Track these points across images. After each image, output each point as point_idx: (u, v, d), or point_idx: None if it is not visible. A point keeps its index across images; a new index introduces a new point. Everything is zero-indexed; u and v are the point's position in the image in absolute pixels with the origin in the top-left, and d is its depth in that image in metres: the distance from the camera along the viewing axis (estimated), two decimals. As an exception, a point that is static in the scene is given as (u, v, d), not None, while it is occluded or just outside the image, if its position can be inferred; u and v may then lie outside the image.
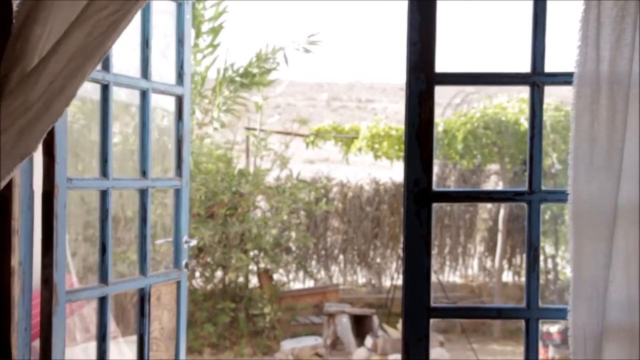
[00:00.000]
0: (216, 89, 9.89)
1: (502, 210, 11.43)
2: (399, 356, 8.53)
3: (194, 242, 3.73)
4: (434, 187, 2.43)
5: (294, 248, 11.19)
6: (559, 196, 2.74)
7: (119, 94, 3.78)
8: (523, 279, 11.12)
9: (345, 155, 12.12)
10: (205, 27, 9.66)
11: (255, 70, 9.97)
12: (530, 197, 2.44)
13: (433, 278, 2.85)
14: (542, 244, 10.22)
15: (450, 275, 12.58)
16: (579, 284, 2.29)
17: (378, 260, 12.31)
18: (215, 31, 9.68)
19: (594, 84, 2.26)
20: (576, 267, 2.30)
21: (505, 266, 12.08)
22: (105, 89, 3.08)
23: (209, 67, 9.90)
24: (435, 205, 2.44)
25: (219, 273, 10.31)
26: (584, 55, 2.26)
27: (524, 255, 2.75)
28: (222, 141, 10.73)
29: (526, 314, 2.46)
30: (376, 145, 11.48)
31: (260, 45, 10.22)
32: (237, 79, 9.94)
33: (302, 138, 12.30)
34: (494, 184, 12.24)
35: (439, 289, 10.74)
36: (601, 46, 2.25)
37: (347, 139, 12.08)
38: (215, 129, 9.91)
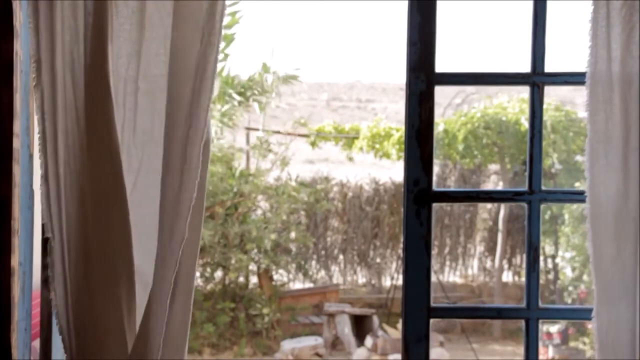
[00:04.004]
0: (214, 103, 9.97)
1: (502, 210, 11.43)
2: (399, 356, 8.53)
3: (194, 242, 3.72)
4: (434, 187, 2.43)
5: (293, 248, 11.19)
6: (559, 196, 2.73)
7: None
8: (523, 279, 11.12)
9: (348, 153, 12.13)
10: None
11: (249, 93, 10.14)
12: (530, 197, 2.44)
13: (433, 278, 2.84)
14: (542, 244, 10.22)
15: (450, 275, 12.58)
16: (601, 288, 2.26)
17: (378, 260, 12.32)
18: (227, 39, 9.72)
19: (606, 84, 2.25)
20: (597, 271, 2.26)
21: (505, 266, 12.09)
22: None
23: (219, 73, 9.96)
24: (435, 205, 2.43)
25: (219, 273, 10.32)
26: (595, 55, 2.25)
27: (524, 255, 2.75)
28: (223, 142, 10.74)
29: (526, 314, 2.45)
30: (377, 145, 11.49)
31: (259, 52, 10.40)
32: (236, 96, 10.06)
33: (302, 138, 12.31)
34: (494, 184, 12.24)
35: (439, 289, 10.74)
36: (612, 46, 2.24)
37: (347, 139, 12.09)
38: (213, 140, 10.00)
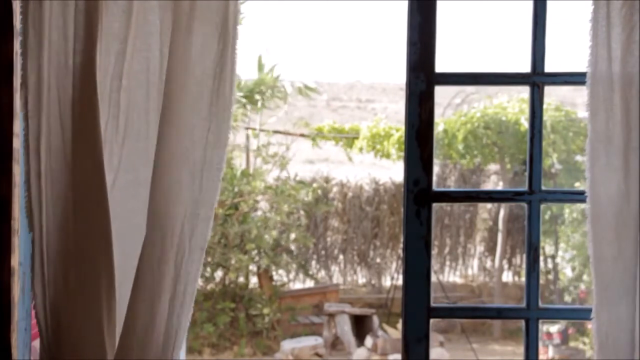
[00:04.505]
0: None
1: (502, 210, 11.43)
2: (399, 356, 8.53)
3: (194, 242, 3.72)
4: (434, 187, 2.42)
5: (293, 248, 11.19)
6: (559, 196, 2.73)
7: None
8: (523, 279, 11.13)
9: (348, 153, 12.14)
10: None
11: (257, 97, 10.19)
12: (530, 197, 2.44)
13: (433, 278, 2.84)
14: (542, 244, 10.23)
15: (450, 275, 12.58)
16: (600, 289, 2.26)
17: (378, 260, 12.32)
18: None
19: (606, 84, 2.24)
20: (597, 271, 2.26)
21: (505, 266, 12.09)
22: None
23: None
24: (435, 205, 2.43)
25: (219, 273, 10.32)
26: (595, 54, 2.24)
27: (524, 255, 2.74)
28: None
29: (526, 314, 2.45)
30: (377, 146, 11.50)
31: (261, 52, 10.48)
32: (242, 99, 10.09)
33: (302, 138, 12.31)
34: (494, 184, 12.24)
35: (439, 289, 10.74)
36: (612, 46, 2.23)
37: (347, 139, 12.10)
38: None
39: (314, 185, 11.33)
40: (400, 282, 10.97)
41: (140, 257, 2.19)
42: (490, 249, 12.27)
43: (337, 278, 12.30)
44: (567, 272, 10.53)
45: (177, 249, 2.21)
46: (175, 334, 2.20)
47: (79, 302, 2.14)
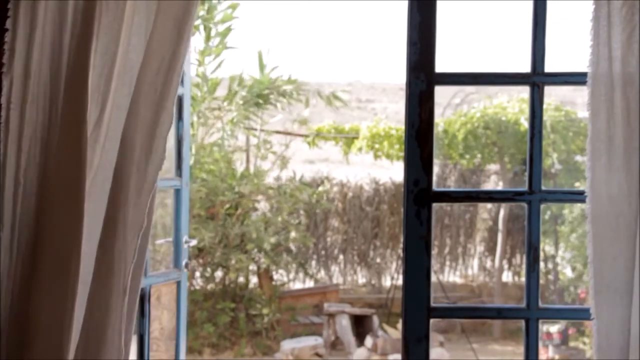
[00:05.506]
0: (223, 107, 10.08)
1: (502, 210, 11.42)
2: (399, 356, 8.53)
3: (194, 242, 3.73)
4: (434, 187, 2.43)
5: (294, 248, 11.19)
6: (559, 196, 2.74)
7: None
8: (523, 279, 11.12)
9: (345, 155, 12.14)
10: (220, 28, 9.76)
11: (273, 101, 10.29)
12: (530, 197, 2.44)
13: (433, 278, 2.84)
14: (542, 244, 10.22)
15: (450, 275, 12.57)
16: (600, 289, 2.26)
17: (378, 260, 12.31)
18: (222, 34, 9.75)
19: (607, 84, 2.24)
20: (597, 271, 2.26)
21: (505, 266, 12.08)
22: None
23: (215, 69, 9.99)
24: (435, 205, 2.43)
25: (219, 273, 10.31)
26: (596, 54, 2.25)
27: (524, 255, 2.75)
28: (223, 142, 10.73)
29: (526, 314, 2.46)
30: (376, 145, 11.49)
31: (262, 52, 10.55)
32: (256, 99, 10.15)
33: (302, 138, 12.30)
34: (494, 184, 12.24)
35: (439, 289, 10.73)
36: (613, 46, 2.24)
37: (347, 139, 12.08)
38: (225, 140, 10.06)
39: (320, 189, 11.30)
40: (400, 282, 10.96)
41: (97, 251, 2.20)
42: (490, 249, 12.27)
43: (337, 278, 12.29)
44: (567, 272, 10.53)
45: (122, 238, 2.22)
46: (125, 328, 2.21)
47: (44, 296, 2.12)
